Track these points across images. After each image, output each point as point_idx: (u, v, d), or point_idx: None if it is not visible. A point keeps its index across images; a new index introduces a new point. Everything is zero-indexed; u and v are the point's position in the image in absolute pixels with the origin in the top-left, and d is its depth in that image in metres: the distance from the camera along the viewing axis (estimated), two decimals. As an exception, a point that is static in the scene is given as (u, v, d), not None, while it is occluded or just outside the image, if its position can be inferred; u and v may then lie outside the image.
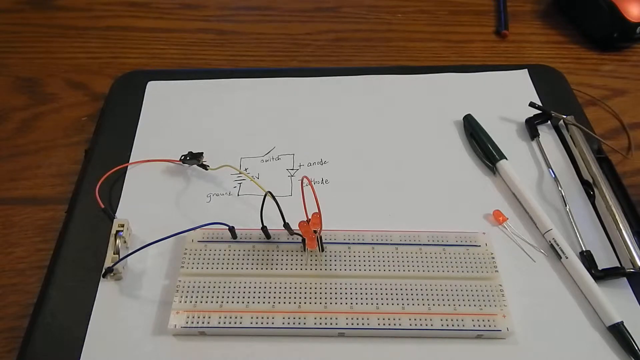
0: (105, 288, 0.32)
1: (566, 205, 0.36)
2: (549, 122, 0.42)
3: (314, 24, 0.54)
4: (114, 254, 0.32)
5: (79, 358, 0.29)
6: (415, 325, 0.30)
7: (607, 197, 0.36)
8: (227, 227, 0.33)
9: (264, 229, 0.33)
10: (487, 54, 0.51)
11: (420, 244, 0.33)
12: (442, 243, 0.33)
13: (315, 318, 0.30)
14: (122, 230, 0.33)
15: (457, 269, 0.32)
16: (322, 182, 0.38)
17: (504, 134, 0.41)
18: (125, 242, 0.33)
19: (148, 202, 0.37)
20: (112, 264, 0.31)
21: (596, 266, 0.33)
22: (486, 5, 0.56)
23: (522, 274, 0.33)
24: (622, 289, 0.32)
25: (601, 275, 0.32)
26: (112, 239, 0.33)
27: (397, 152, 0.40)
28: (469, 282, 0.32)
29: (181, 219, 0.36)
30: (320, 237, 0.32)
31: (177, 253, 0.33)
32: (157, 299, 0.32)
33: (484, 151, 0.39)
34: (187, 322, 0.30)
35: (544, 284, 0.33)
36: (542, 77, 0.45)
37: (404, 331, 0.30)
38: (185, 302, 0.31)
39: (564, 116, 0.41)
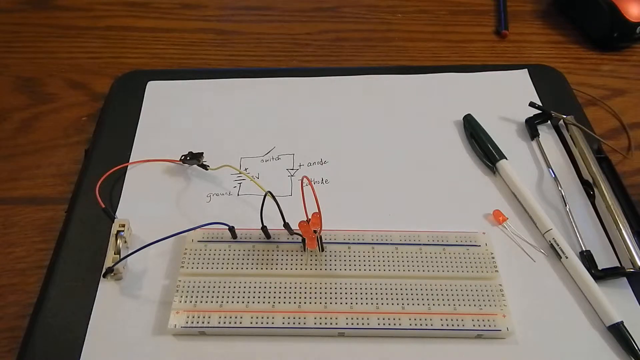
0: (105, 288, 0.32)
1: (566, 205, 0.36)
2: (549, 122, 0.42)
3: (314, 24, 0.54)
4: (114, 254, 0.32)
5: (79, 358, 0.29)
6: (415, 325, 0.30)
7: (607, 197, 0.36)
8: (227, 227, 0.33)
9: (264, 228, 0.33)
10: (487, 54, 0.51)
11: (420, 244, 0.33)
12: (442, 243, 0.33)
13: (315, 318, 0.30)
14: (123, 230, 0.33)
15: (457, 268, 0.32)
16: (322, 182, 0.38)
17: (504, 134, 0.41)
18: (125, 242, 0.33)
19: (148, 202, 0.37)
20: (113, 264, 0.31)
21: (596, 266, 0.33)
22: (486, 5, 0.56)
23: (522, 274, 0.33)
24: (622, 289, 0.32)
25: (601, 275, 0.32)
26: (112, 239, 0.33)
27: (397, 152, 0.40)
28: (469, 282, 0.32)
29: (181, 219, 0.36)
30: (320, 237, 0.32)
31: (177, 253, 0.33)
32: (157, 299, 0.32)
33: (484, 151, 0.39)
34: (187, 322, 0.30)
35: (544, 284, 0.33)
36: (542, 77, 0.45)
37: (404, 331, 0.30)
38: (185, 302, 0.31)
39: (564, 116, 0.41)
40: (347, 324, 0.30)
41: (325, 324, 0.30)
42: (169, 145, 0.39)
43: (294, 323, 0.30)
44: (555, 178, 0.38)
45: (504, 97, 0.44)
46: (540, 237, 0.35)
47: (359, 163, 0.39)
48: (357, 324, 0.30)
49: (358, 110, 0.43)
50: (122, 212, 0.36)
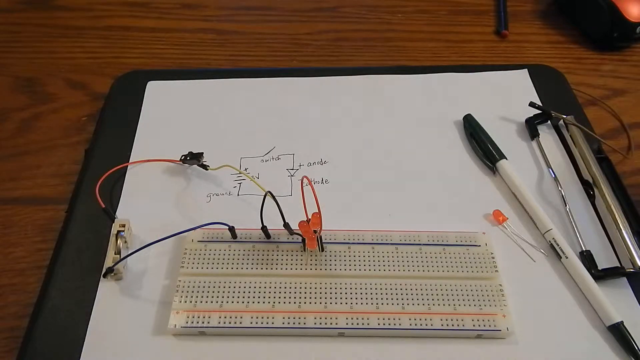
0: (105, 288, 0.32)
1: (566, 205, 0.36)
2: (549, 122, 0.42)
3: (314, 24, 0.54)
4: (114, 254, 0.32)
5: (79, 358, 0.29)
6: (415, 325, 0.30)
7: (607, 197, 0.36)
8: (227, 227, 0.33)
9: (264, 228, 0.33)
10: (487, 54, 0.51)
11: (420, 244, 0.33)
12: (442, 243, 0.33)
13: (315, 318, 0.30)
14: (123, 230, 0.33)
15: (457, 268, 0.32)
16: (322, 182, 0.38)
17: (504, 134, 0.41)
18: (125, 242, 0.33)
19: (148, 202, 0.37)
20: (113, 264, 0.31)
21: (596, 266, 0.33)
22: (486, 5, 0.56)
23: (522, 274, 0.33)
24: (622, 289, 0.32)
25: (601, 275, 0.32)
26: (112, 239, 0.33)
27: (397, 152, 0.40)
28: (469, 282, 0.32)
29: (181, 219, 0.36)
30: (320, 237, 0.32)
31: (177, 253, 0.33)
32: (157, 299, 0.32)
33: (484, 151, 0.39)
34: (187, 322, 0.30)
35: (544, 284, 0.33)
36: (542, 77, 0.45)
37: (404, 331, 0.30)
38: (185, 302, 0.31)
39: (564, 116, 0.41)
40: (347, 324, 0.30)
41: (325, 324, 0.30)
42: (169, 145, 0.39)
43: (294, 323, 0.30)
44: (555, 178, 0.38)
45: (504, 97, 0.44)
46: (540, 237, 0.35)
47: (359, 163, 0.39)
48: (357, 324, 0.30)
49: (358, 110, 0.43)
50: (122, 212, 0.36)
